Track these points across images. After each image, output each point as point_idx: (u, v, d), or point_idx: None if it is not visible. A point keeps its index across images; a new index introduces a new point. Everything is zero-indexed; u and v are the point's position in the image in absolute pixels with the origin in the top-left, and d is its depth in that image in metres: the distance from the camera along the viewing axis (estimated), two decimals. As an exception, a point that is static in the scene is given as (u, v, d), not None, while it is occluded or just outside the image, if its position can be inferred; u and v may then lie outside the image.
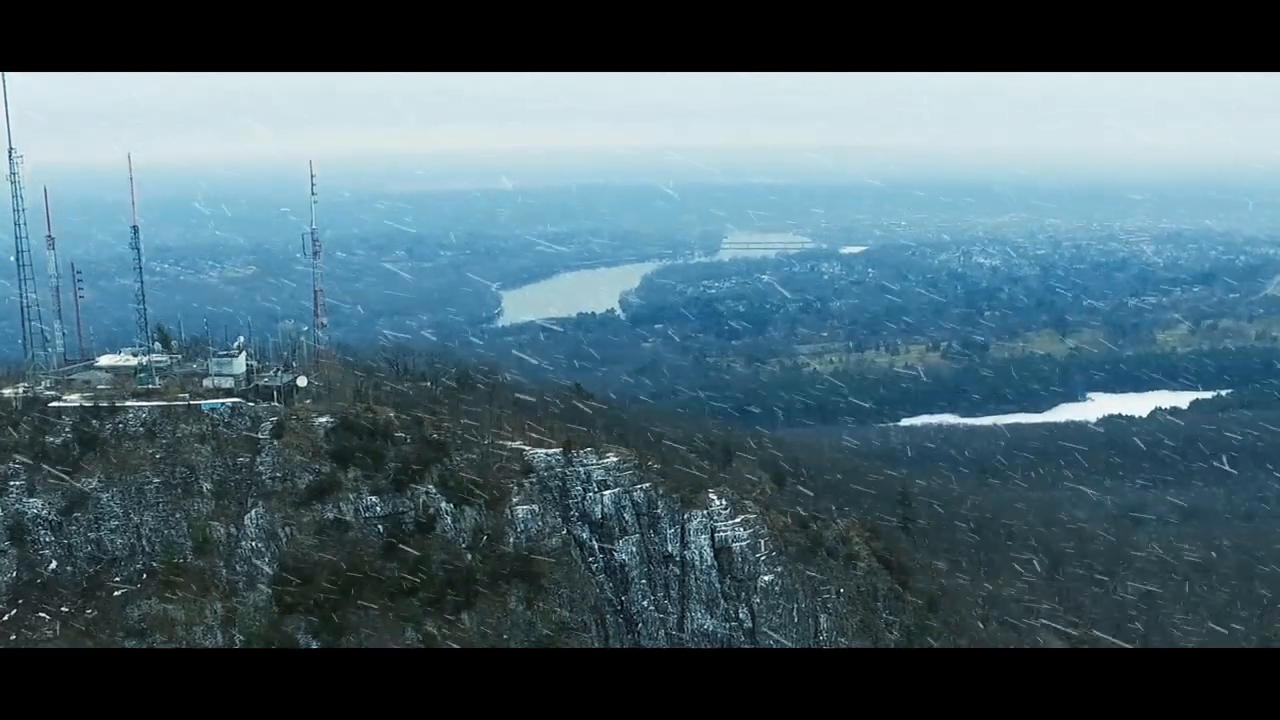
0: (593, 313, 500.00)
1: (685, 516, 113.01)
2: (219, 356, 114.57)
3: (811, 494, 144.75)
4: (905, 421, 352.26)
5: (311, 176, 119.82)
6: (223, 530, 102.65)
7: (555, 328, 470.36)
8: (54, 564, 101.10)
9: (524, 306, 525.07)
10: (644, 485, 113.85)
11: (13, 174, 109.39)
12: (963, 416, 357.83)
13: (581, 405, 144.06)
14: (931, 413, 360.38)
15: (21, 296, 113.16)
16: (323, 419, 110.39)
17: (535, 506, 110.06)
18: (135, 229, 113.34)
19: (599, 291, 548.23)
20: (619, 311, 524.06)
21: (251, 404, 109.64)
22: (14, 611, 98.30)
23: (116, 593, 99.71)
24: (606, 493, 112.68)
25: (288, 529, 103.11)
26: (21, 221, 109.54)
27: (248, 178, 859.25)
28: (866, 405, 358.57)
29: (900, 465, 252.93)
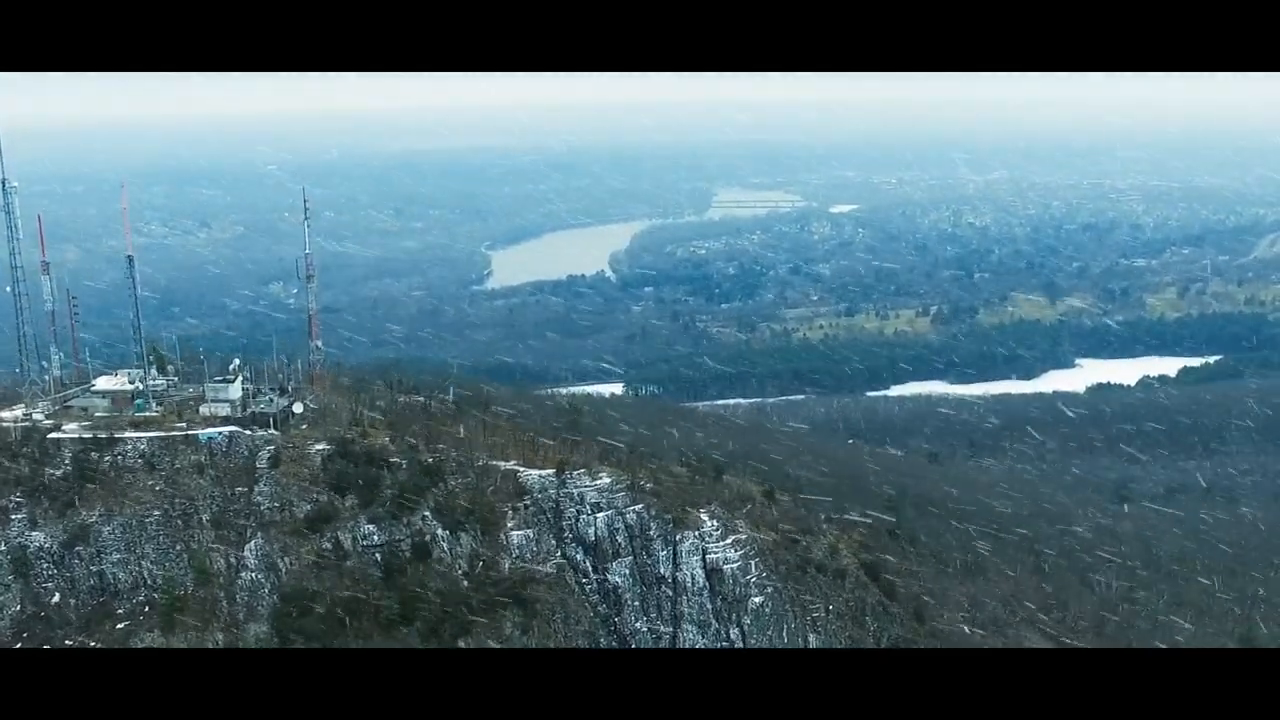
0: (582, 275, 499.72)
1: (677, 538, 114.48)
2: (215, 381, 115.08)
3: (802, 495, 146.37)
4: (895, 390, 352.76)
5: (305, 202, 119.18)
6: (223, 561, 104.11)
7: (545, 291, 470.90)
8: (56, 596, 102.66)
9: (513, 268, 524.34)
10: (637, 507, 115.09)
11: (6, 203, 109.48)
12: (952, 384, 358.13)
13: (575, 418, 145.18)
14: (921, 379, 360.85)
15: (19, 322, 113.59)
16: (319, 446, 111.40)
17: (530, 531, 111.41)
18: (130, 259, 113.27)
19: (589, 251, 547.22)
20: (609, 273, 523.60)
21: (249, 432, 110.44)
22: (18, 645, 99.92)
23: (119, 625, 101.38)
24: (600, 515, 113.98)
25: (287, 559, 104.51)
26: (17, 251, 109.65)
27: (234, 132, 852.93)
28: (856, 374, 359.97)
29: (891, 443, 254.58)
